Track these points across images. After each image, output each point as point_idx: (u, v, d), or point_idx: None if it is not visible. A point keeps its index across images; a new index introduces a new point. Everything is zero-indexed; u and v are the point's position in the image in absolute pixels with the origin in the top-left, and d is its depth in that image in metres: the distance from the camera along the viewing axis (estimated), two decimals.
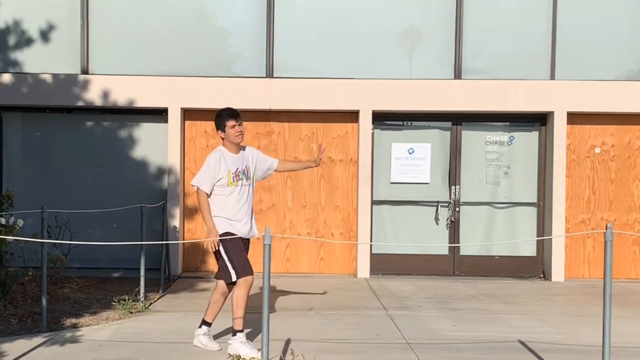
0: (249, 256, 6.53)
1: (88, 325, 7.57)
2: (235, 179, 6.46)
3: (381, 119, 11.36)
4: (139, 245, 8.88)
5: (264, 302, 5.09)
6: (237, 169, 6.49)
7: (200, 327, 6.65)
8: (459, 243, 11.30)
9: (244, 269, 6.30)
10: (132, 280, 9.89)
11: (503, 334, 7.40)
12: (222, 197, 6.43)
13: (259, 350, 5.86)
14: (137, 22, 11.31)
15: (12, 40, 11.20)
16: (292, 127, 11.39)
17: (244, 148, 6.69)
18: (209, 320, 6.61)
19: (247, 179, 6.55)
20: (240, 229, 6.45)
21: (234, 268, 6.33)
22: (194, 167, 11.36)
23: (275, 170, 6.91)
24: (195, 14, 11.35)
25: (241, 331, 6.25)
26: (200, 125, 11.38)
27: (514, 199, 11.46)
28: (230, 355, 5.97)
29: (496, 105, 11.10)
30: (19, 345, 6.67)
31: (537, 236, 11.37)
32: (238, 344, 6.21)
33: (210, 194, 6.45)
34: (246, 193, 6.53)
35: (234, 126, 6.52)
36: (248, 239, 6.58)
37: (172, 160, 11.05)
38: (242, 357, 5.88)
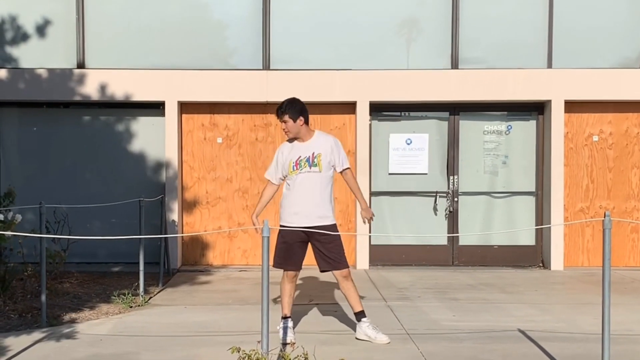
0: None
1: (88, 320, 7.57)
2: (295, 167, 6.55)
3: (378, 110, 11.34)
4: (137, 240, 8.88)
5: (262, 295, 5.08)
6: (300, 157, 6.56)
7: (360, 320, 6.65)
8: (457, 233, 11.31)
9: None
10: (131, 274, 9.89)
11: (503, 323, 7.41)
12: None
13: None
14: (133, 15, 11.27)
15: (7, 35, 11.17)
16: None
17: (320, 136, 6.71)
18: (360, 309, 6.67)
19: (310, 166, 6.55)
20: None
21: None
22: (192, 160, 11.36)
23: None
24: (191, 6, 11.32)
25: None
26: (198, 119, 11.36)
27: (512, 188, 11.46)
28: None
29: (493, 95, 11.09)
30: (19, 340, 6.68)
31: (536, 225, 11.37)
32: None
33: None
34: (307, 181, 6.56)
35: (281, 123, 6.67)
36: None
37: (170, 153, 11.04)
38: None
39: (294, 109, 6.57)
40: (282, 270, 6.71)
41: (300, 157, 6.54)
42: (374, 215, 6.83)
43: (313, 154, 6.54)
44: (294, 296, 6.80)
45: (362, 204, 6.83)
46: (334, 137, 6.82)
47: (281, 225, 6.62)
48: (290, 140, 6.67)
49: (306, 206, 6.52)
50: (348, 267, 6.65)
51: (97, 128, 11.45)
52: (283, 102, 6.64)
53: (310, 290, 9.16)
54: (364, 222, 6.79)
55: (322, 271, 6.71)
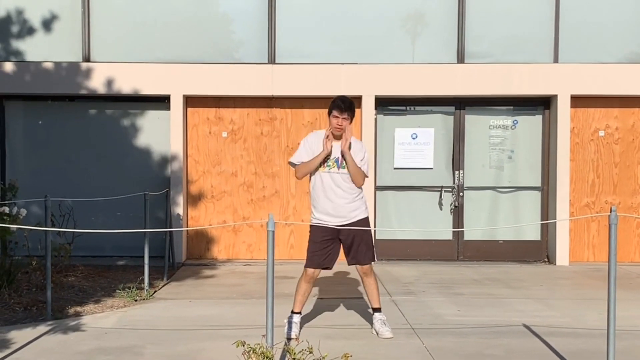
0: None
1: (93, 313, 7.58)
2: (323, 164, 6.48)
3: (384, 104, 11.33)
4: (142, 233, 8.89)
5: (267, 289, 5.07)
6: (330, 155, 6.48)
7: (373, 315, 6.72)
8: (462, 228, 11.30)
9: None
10: (136, 268, 9.91)
11: (508, 318, 7.40)
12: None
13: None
14: (138, 9, 11.27)
15: (14, 28, 11.18)
16: (294, 113, 11.36)
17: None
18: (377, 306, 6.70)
19: (339, 168, 6.48)
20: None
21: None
22: (197, 154, 11.36)
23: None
24: (196, 0, 11.30)
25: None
26: (203, 112, 11.36)
27: (518, 183, 11.44)
28: None
29: (499, 89, 11.06)
30: (25, 333, 6.69)
31: (541, 220, 11.36)
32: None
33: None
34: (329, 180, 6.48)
35: (336, 117, 6.43)
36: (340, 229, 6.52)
37: (175, 147, 11.04)
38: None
39: (354, 111, 6.51)
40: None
41: (330, 155, 6.48)
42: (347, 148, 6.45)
43: (343, 155, 6.47)
44: (308, 296, 6.76)
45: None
46: (362, 143, 6.76)
47: (314, 223, 6.54)
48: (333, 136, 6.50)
49: (338, 206, 6.47)
50: (370, 263, 6.63)
51: (102, 122, 11.46)
52: (345, 99, 6.48)
53: (316, 285, 9.14)
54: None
55: (349, 264, 6.73)
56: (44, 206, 7.33)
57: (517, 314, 7.58)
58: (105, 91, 11.04)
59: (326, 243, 6.54)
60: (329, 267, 6.66)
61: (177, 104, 11.05)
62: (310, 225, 6.58)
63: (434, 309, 7.86)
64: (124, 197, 9.80)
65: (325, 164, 6.47)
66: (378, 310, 6.69)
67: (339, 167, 6.48)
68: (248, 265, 10.90)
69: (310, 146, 6.55)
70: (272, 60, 11.14)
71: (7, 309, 7.63)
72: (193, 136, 11.37)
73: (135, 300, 8.17)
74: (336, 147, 6.50)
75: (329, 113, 6.49)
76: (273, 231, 5.08)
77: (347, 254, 6.63)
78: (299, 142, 11.18)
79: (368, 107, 11.05)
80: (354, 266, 6.78)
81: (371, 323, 6.78)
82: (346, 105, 6.42)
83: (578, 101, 11.16)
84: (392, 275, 9.99)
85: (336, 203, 6.47)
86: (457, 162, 11.37)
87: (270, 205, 11.34)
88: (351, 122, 6.48)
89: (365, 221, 6.59)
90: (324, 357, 5.06)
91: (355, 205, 6.55)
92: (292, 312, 6.66)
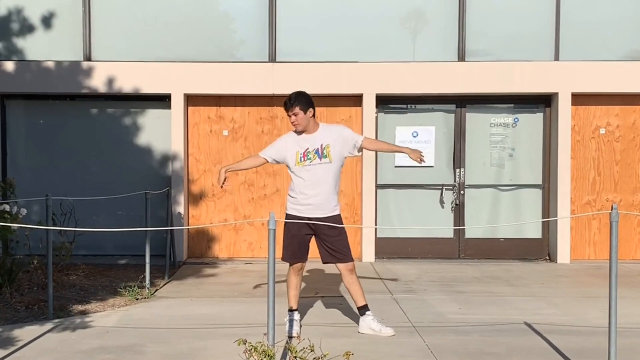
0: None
1: (94, 312, 7.59)
2: (303, 158, 6.46)
3: (385, 102, 11.32)
4: (143, 232, 8.89)
5: (268, 287, 5.08)
6: (307, 148, 6.47)
7: (364, 314, 6.65)
8: (463, 226, 11.29)
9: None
10: (137, 267, 9.91)
11: (509, 316, 7.40)
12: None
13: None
14: (139, 7, 11.27)
15: (14, 27, 11.18)
16: None
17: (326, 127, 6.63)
18: (364, 303, 6.65)
19: (320, 158, 6.46)
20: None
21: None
22: (198, 153, 11.36)
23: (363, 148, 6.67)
24: None
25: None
26: (204, 111, 11.36)
27: (519, 181, 11.43)
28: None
29: (500, 87, 11.05)
30: (26, 332, 6.70)
31: (543, 218, 11.35)
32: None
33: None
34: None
35: (288, 116, 6.55)
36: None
37: (176, 146, 11.04)
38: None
39: (304, 101, 6.49)
40: (287, 263, 6.69)
41: (307, 148, 6.47)
42: (422, 154, 6.52)
43: (321, 145, 6.47)
44: (300, 289, 6.78)
45: (404, 150, 6.67)
46: (337, 125, 6.85)
47: (290, 215, 6.51)
48: (297, 132, 6.57)
49: (319, 197, 6.46)
50: (353, 260, 6.63)
51: (103, 121, 11.46)
52: (291, 95, 6.54)
53: (316, 283, 9.16)
54: (419, 162, 6.48)
55: (325, 262, 6.67)
56: (45, 205, 7.34)
57: (518, 312, 7.58)
58: (106, 90, 11.04)
59: (306, 237, 6.57)
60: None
61: (178, 102, 11.05)
62: (291, 219, 6.51)
63: (436, 307, 7.86)
64: (125, 196, 9.80)
65: (306, 158, 6.47)
66: (367, 307, 6.63)
67: (320, 158, 6.46)
68: (249, 264, 10.91)
69: (278, 148, 6.60)
70: (272, 58, 11.14)
71: (8, 308, 7.64)
72: (194, 135, 11.37)
73: (137, 299, 8.18)
74: (312, 139, 6.49)
75: None
76: (274, 229, 5.09)
77: (327, 251, 6.56)
78: None
79: (369, 105, 11.05)
80: (355, 264, 6.75)
81: None
82: (291, 102, 6.49)
83: (579, 99, 11.15)
84: (393, 274, 10.00)
85: (320, 192, 6.45)
86: (458, 160, 11.36)
87: (271, 203, 11.35)
88: (307, 111, 6.46)
89: (340, 218, 6.60)
90: (325, 356, 5.06)
91: (335, 199, 6.55)
92: (290, 310, 6.66)
